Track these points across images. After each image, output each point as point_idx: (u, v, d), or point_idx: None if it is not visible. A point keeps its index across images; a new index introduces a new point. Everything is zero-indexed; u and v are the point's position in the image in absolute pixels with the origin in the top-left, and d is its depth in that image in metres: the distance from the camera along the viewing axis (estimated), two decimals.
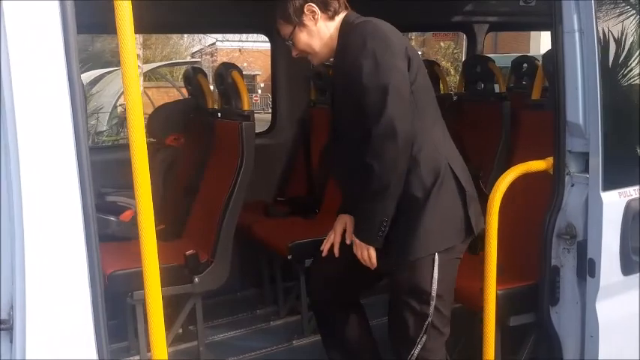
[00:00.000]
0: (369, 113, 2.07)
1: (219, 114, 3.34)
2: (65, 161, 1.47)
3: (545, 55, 2.71)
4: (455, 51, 22.16)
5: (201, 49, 29.25)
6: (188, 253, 2.85)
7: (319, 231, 3.32)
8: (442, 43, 22.78)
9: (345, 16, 2.27)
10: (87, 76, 11.35)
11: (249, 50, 28.89)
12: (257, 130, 3.97)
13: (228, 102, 3.20)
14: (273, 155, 4.16)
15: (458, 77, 5.80)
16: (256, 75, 29.67)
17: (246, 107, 3.06)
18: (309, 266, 2.73)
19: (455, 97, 4.28)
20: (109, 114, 10.12)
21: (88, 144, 1.52)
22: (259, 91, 28.49)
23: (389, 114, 2.03)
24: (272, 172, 4.15)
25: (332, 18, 2.25)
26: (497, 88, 4.13)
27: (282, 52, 4.13)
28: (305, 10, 2.21)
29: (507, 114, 3.74)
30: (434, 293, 2.16)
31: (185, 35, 26.73)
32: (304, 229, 3.48)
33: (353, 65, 2.11)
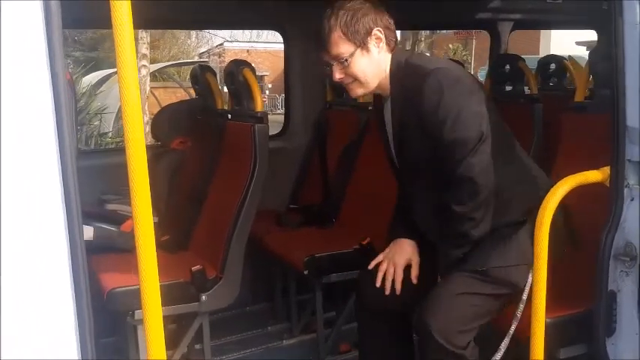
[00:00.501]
0: (451, 164, 1.97)
1: (230, 115, 3.08)
2: (46, 164, 1.31)
3: (593, 52, 2.44)
4: (463, 53, 22.16)
5: (209, 49, 29.19)
6: (194, 268, 2.59)
7: (337, 243, 3.09)
8: (450, 45, 22.93)
9: (396, 54, 2.11)
10: (94, 76, 11.17)
11: (257, 51, 28.89)
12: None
13: (239, 102, 2.94)
14: (285, 160, 3.91)
15: None
16: (264, 75, 29.57)
17: (259, 108, 2.80)
18: (359, 274, 2.49)
19: None
20: (114, 115, 9.91)
21: (75, 146, 1.37)
22: (267, 92, 28.42)
23: (472, 165, 1.95)
24: (285, 178, 3.90)
25: (390, 52, 2.09)
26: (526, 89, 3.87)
27: (296, 50, 3.89)
28: (372, 33, 2.02)
29: (539, 117, 3.50)
30: (524, 296, 2.02)
31: (193, 36, 26.80)
32: (321, 240, 3.22)
33: (431, 116, 1.98)
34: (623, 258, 1.99)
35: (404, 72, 2.06)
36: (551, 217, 1.93)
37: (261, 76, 29.16)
